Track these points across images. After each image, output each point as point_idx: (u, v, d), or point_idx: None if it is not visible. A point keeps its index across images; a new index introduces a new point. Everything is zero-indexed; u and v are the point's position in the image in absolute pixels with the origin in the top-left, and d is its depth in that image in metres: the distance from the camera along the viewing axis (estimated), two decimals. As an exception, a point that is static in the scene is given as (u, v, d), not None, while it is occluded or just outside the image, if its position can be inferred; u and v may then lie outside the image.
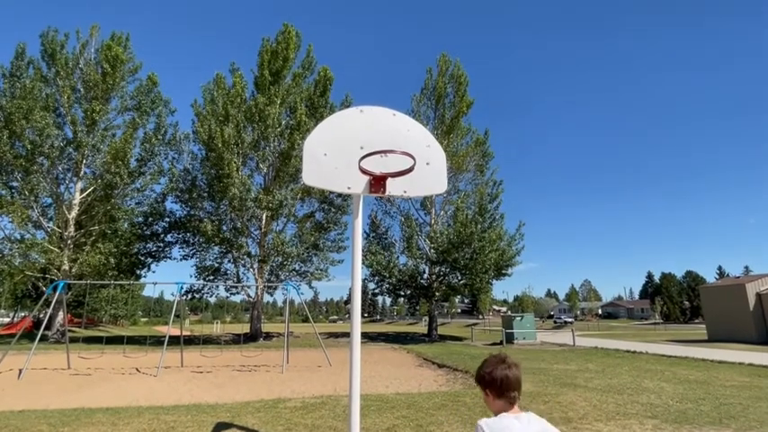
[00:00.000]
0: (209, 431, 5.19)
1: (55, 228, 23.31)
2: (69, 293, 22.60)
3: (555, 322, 68.40)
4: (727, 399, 7.05)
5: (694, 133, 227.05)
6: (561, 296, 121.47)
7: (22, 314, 44.69)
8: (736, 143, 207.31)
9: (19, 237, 21.47)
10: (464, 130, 28.02)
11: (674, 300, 72.64)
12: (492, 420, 1.71)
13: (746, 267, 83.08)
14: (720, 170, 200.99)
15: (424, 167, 4.29)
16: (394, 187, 4.25)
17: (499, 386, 1.75)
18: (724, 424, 5.49)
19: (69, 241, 22.49)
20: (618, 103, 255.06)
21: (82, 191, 23.33)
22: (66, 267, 21.67)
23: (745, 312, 22.35)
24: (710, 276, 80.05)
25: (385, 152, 4.11)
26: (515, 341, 21.27)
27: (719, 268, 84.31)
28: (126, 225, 24.11)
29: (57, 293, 12.25)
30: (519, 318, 22.86)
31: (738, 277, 31.88)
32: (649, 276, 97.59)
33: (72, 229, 22.75)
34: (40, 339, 11.97)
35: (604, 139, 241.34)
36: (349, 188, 4.19)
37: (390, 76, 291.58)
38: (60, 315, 21.55)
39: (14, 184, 21.91)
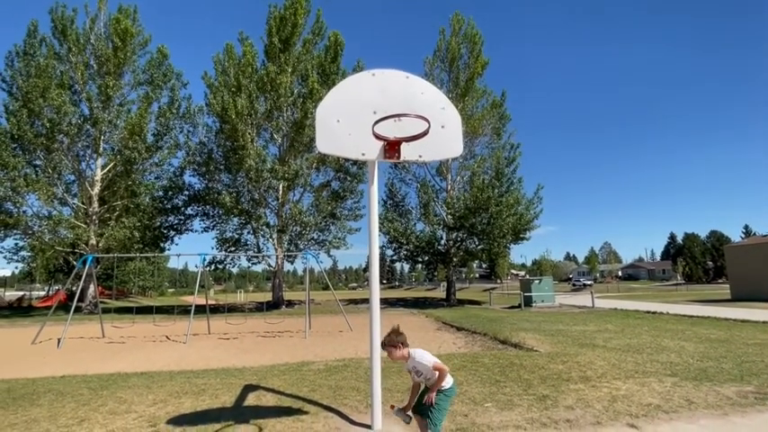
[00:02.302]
0: (237, 393, 5.43)
1: (79, 204, 23.99)
2: (98, 267, 23.48)
3: (573, 285, 68.17)
4: (749, 356, 7.01)
5: (718, 87, 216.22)
6: (581, 259, 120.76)
7: (56, 287, 46.78)
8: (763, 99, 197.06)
9: (47, 213, 22.20)
10: (479, 92, 27.19)
11: (696, 260, 71.47)
12: (414, 350, 3.40)
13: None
14: (748, 125, 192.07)
15: (439, 131, 4.21)
16: (409, 152, 4.19)
17: (404, 342, 3.43)
18: (745, 381, 5.48)
19: (94, 217, 23.16)
20: (638, 55, 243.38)
21: (102, 167, 23.79)
22: (94, 242, 22.41)
23: (771, 271, 21.92)
24: (736, 236, 78.24)
25: (399, 116, 4.03)
26: (534, 304, 21.38)
27: (746, 227, 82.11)
28: (147, 199, 24.64)
29: (86, 267, 12.74)
30: (537, 281, 22.87)
31: (765, 236, 31.02)
32: (672, 237, 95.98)
33: (96, 204, 23.37)
34: (75, 311, 12.55)
35: (624, 97, 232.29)
36: (363, 154, 4.15)
37: (402, 39, 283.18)
38: (91, 287, 22.48)
39: (38, 162, 22.48)
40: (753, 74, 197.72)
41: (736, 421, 4.12)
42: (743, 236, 77.26)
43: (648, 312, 16.22)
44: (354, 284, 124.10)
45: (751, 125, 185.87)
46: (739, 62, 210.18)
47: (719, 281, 61.80)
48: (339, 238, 25.29)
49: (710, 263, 70.65)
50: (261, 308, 22.88)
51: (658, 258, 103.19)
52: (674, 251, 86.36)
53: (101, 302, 17.13)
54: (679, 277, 72.01)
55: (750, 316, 13.49)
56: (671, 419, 4.18)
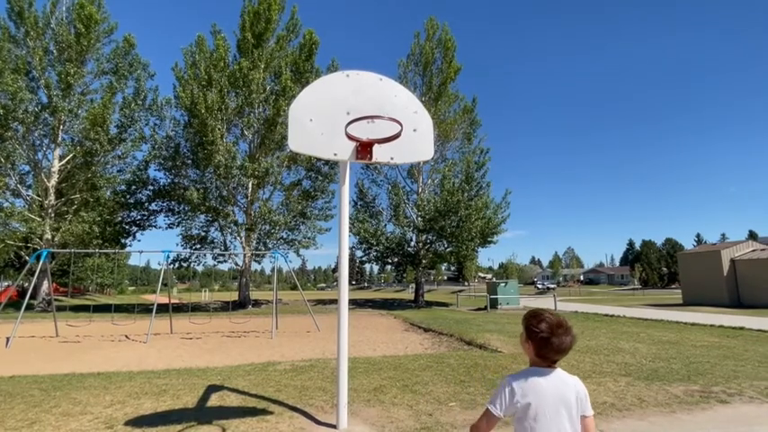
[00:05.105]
0: (200, 393, 5.31)
1: (34, 196, 22.79)
2: (53, 262, 22.40)
3: (538, 288, 69.90)
4: (696, 358, 7.43)
5: (676, 98, 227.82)
6: (545, 263, 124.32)
7: (6, 284, 44.23)
8: (716, 114, 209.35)
9: (-3, 205, 20.99)
10: (452, 97, 27.59)
11: (652, 266, 74.75)
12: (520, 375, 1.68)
13: (723, 235, 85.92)
14: (704, 139, 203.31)
15: (411, 134, 4.28)
16: (381, 153, 4.23)
17: (539, 346, 1.68)
18: (692, 380, 5.82)
19: (50, 210, 22.05)
20: (602, 64, 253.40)
21: (61, 158, 22.69)
22: (49, 236, 21.34)
23: (719, 277, 23.19)
24: (689, 244, 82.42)
25: (372, 118, 4.07)
26: (499, 306, 21.85)
27: (698, 236, 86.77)
28: (108, 193, 23.67)
29: (40, 262, 12.12)
30: (503, 284, 23.40)
31: (715, 244, 32.84)
32: (630, 244, 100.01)
33: (53, 197, 22.26)
34: (26, 308, 11.91)
35: (587, 110, 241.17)
36: (335, 154, 4.16)
37: (378, 41, 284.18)
38: (45, 284, 21.38)
39: (-12, 150, 21.23)
40: (712, 77, 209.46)
41: (683, 418, 4.37)
42: (695, 243, 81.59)
43: (607, 315, 16.88)
44: (323, 285, 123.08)
45: (708, 136, 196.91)
46: (692, 67, 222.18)
47: (673, 286, 64.83)
48: (309, 238, 25.06)
49: (665, 269, 74.03)
50: (226, 307, 22.40)
51: (617, 264, 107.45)
52: (632, 257, 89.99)
53: (55, 300, 16.34)
54: (636, 282, 75.20)
55: (699, 319, 14.27)
56: (623, 417, 4.40)
